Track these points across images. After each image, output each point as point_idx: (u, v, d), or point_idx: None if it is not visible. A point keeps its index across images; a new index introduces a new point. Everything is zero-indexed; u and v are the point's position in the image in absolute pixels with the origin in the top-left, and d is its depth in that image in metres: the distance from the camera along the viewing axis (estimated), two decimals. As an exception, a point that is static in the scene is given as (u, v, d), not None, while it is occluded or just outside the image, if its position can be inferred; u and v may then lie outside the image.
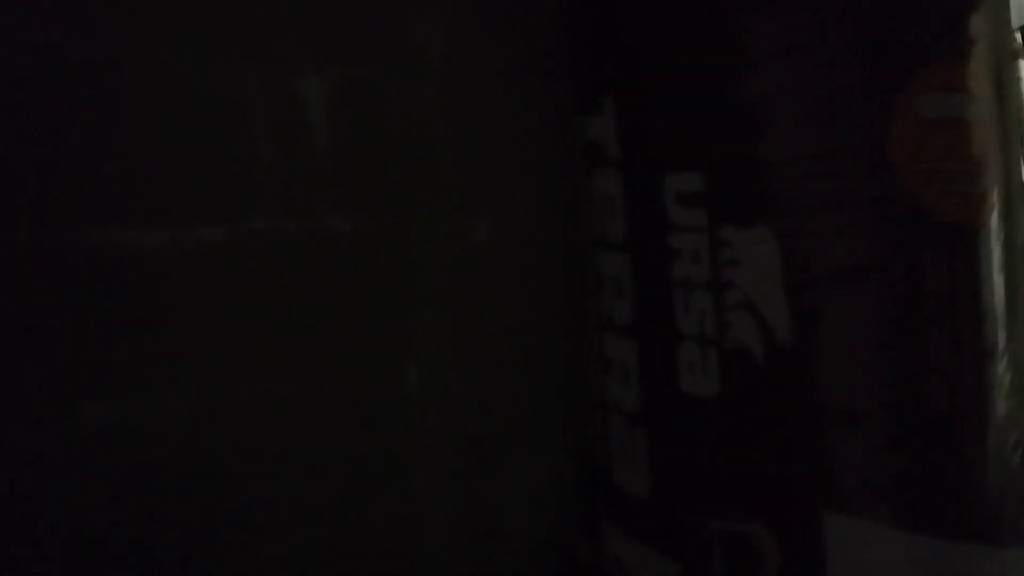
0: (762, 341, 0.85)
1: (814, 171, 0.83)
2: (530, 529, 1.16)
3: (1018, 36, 2.09)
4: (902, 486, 0.81)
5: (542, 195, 1.14)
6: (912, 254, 0.81)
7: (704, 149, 0.89)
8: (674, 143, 0.92)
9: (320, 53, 1.00)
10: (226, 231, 0.94)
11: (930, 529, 0.80)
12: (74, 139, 0.85)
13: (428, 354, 1.08)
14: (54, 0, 0.85)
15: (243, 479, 0.94)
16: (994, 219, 0.82)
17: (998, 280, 0.81)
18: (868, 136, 0.81)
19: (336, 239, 1.01)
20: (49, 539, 0.85)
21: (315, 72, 1.00)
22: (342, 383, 1.01)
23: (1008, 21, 0.90)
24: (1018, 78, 0.91)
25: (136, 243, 0.88)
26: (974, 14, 0.83)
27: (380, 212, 1.05)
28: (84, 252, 0.86)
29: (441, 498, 1.09)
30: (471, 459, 1.12)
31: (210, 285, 0.92)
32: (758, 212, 0.85)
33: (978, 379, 0.80)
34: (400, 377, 1.06)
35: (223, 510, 0.93)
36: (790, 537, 0.84)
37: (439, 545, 1.09)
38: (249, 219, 0.95)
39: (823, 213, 0.83)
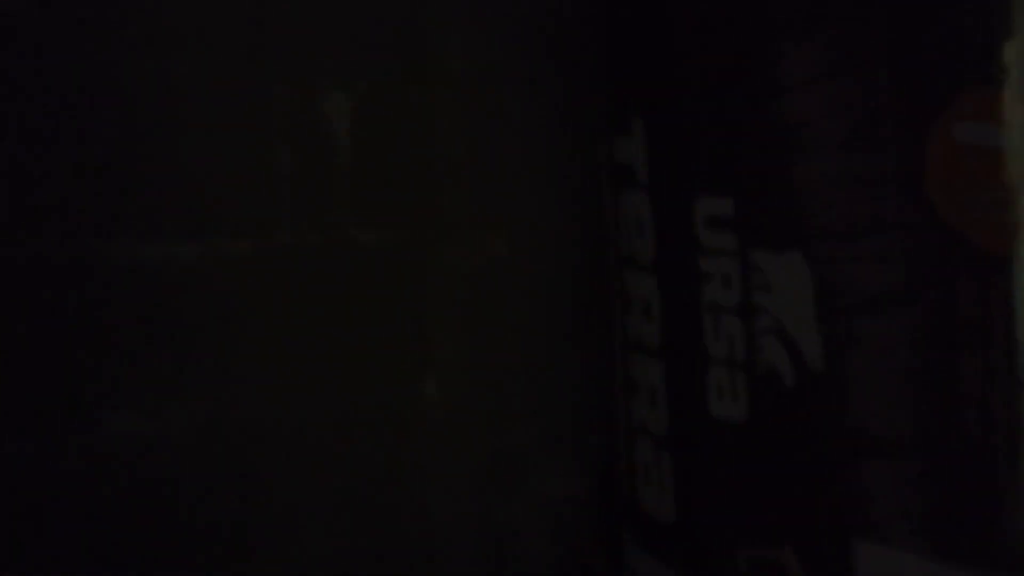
0: (793, 367, 0.84)
1: (848, 196, 0.83)
2: (546, 546, 1.16)
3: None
4: (935, 516, 0.80)
5: (564, 212, 1.14)
6: (946, 282, 0.80)
7: (736, 173, 0.89)
8: (705, 166, 0.91)
9: (345, 68, 1.01)
10: (251, 245, 0.94)
11: (963, 560, 0.79)
12: (100, 153, 0.86)
13: (446, 368, 1.08)
14: (77, 15, 0.86)
15: (262, 491, 0.94)
16: (1029, 247, 0.81)
17: (1032, 309, 0.81)
18: (903, 162, 0.81)
19: (358, 253, 1.01)
20: (68, 550, 0.85)
21: (340, 87, 1.00)
22: (361, 397, 1.01)
23: (1043, 47, 0.90)
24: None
25: (162, 256, 0.89)
26: (1010, 41, 0.83)
27: (402, 226, 1.05)
28: (110, 265, 0.86)
29: (457, 514, 1.09)
30: (488, 475, 1.12)
31: (234, 298, 0.93)
32: (790, 237, 0.85)
33: (1011, 409, 0.80)
34: (418, 391, 1.06)
35: (242, 523, 0.93)
36: (820, 565, 0.83)
37: (454, 561, 1.09)
38: (273, 233, 0.96)
39: (857, 239, 0.83)
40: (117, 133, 0.86)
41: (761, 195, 0.87)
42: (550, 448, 1.17)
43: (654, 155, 0.96)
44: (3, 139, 0.84)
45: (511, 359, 1.13)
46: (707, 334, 0.91)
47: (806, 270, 0.83)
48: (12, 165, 0.84)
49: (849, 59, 0.84)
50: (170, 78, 0.89)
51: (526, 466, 1.15)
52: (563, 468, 1.18)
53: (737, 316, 0.88)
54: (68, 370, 0.85)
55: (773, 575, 0.84)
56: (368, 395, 1.01)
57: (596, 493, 1.13)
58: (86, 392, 0.85)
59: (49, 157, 0.84)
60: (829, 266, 0.83)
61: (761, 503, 0.87)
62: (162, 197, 0.88)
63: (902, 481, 0.80)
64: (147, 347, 0.88)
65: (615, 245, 1.05)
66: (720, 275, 0.90)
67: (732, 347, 0.89)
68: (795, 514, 0.85)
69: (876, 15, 0.83)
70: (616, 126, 1.02)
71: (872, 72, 0.83)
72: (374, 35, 1.03)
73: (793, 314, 0.84)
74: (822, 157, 0.84)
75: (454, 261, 1.09)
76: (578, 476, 1.16)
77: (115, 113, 0.86)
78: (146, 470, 0.87)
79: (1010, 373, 0.80)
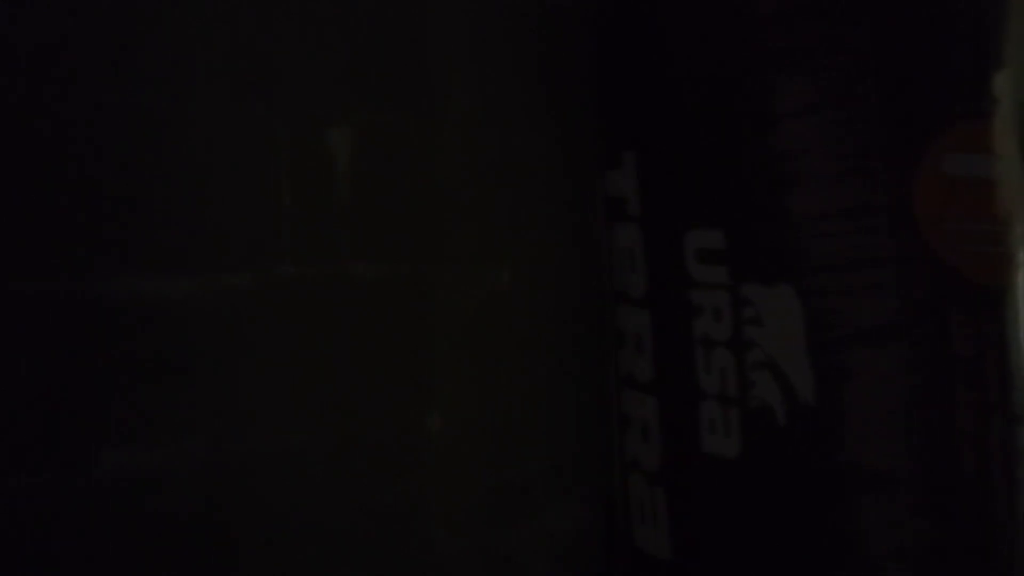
0: (784, 401, 0.83)
1: (839, 229, 0.83)
2: (548, 582, 1.14)
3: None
4: (931, 553, 0.79)
5: (567, 246, 1.14)
6: (938, 315, 0.79)
7: (726, 206, 0.89)
8: (695, 199, 0.91)
9: (346, 101, 1.01)
10: (251, 278, 0.94)
11: (959, 598, 0.78)
12: (99, 188, 0.86)
13: (450, 403, 1.07)
14: (77, 46, 0.86)
15: (262, 528, 0.93)
16: (1021, 279, 0.80)
17: (1026, 342, 0.80)
18: (893, 194, 0.81)
19: (359, 286, 1.01)
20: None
21: (341, 120, 1.00)
22: (363, 432, 1.00)
23: (1033, 79, 0.90)
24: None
25: (161, 291, 0.88)
26: (998, 73, 0.83)
27: (403, 260, 1.05)
28: (110, 300, 0.86)
29: (462, 547, 1.08)
30: (491, 510, 1.10)
31: (234, 332, 0.92)
32: (781, 270, 0.84)
33: (1006, 443, 0.79)
34: (422, 426, 1.05)
35: (241, 559, 0.92)
36: (814, 604, 0.82)
37: (457, 598, 1.07)
38: (274, 266, 0.95)
39: (847, 272, 0.82)
40: (117, 168, 0.86)
41: (752, 228, 0.87)
42: (554, 482, 1.16)
43: (645, 188, 0.96)
44: (1, 177, 0.84)
45: (514, 393, 1.12)
46: (699, 368, 0.90)
47: (797, 303, 0.83)
48: (10, 203, 0.84)
49: (839, 92, 0.83)
50: (172, 114, 0.89)
51: (530, 500, 1.14)
52: (567, 502, 1.16)
53: (729, 350, 0.87)
54: (68, 406, 0.84)
55: (767, 614, 0.83)
56: (370, 430, 1.00)
57: (600, 526, 1.12)
58: (86, 428, 0.84)
59: (49, 194, 0.84)
60: (820, 299, 0.82)
61: (754, 540, 0.86)
62: (162, 231, 0.88)
63: (896, 517, 0.79)
64: (146, 382, 0.87)
65: (608, 279, 1.04)
66: (711, 309, 0.89)
67: (724, 382, 0.88)
68: (789, 550, 0.83)
69: (865, 48, 0.83)
70: (608, 160, 1.02)
71: (861, 105, 0.83)
72: (376, 71, 1.03)
73: (784, 348, 0.83)
74: (812, 190, 0.84)
75: (456, 295, 1.09)
76: (582, 510, 1.15)
77: (114, 148, 0.86)
78: (146, 505, 0.86)
79: (1004, 407, 0.79)
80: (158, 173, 0.88)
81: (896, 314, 0.80)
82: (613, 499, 1.08)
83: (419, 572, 1.04)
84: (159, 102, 0.88)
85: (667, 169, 0.94)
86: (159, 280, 0.88)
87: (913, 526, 0.79)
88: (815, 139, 0.84)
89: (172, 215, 0.88)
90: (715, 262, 0.89)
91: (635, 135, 0.98)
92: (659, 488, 0.95)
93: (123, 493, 0.86)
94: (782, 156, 0.85)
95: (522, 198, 1.13)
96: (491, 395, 1.10)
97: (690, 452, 0.91)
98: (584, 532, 1.13)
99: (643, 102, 0.96)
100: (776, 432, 0.84)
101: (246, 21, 0.94)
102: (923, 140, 0.80)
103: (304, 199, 0.97)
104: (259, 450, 0.93)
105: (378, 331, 1.01)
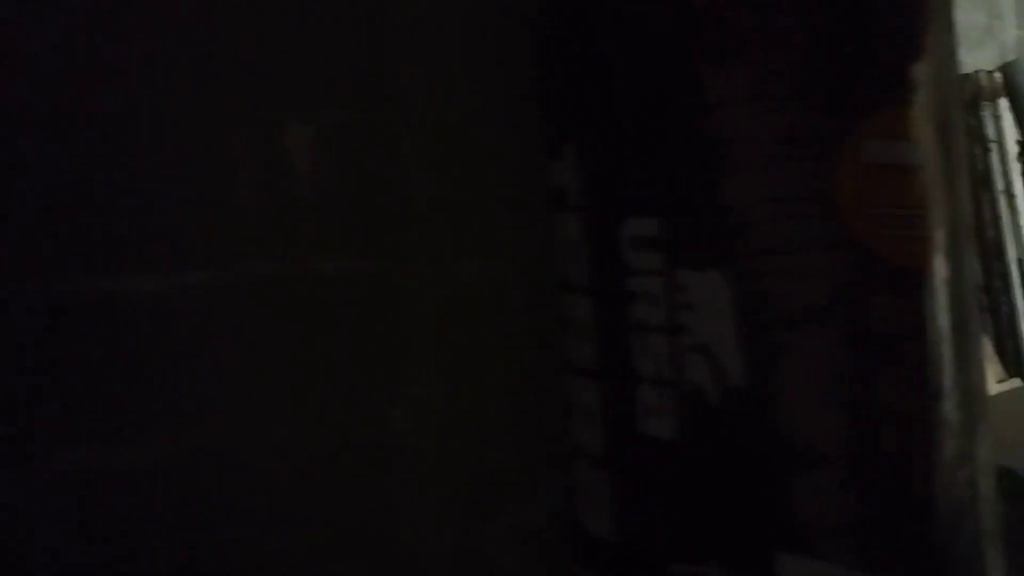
0: (716, 383, 0.86)
1: (767, 216, 0.85)
2: (524, 573, 1.16)
3: (997, 76, 2.12)
4: (855, 527, 0.82)
5: (530, 238, 1.15)
6: (860, 297, 0.82)
7: (661, 194, 0.91)
8: (631, 188, 0.93)
9: (306, 99, 1.02)
10: (212, 277, 0.95)
11: (883, 570, 0.81)
12: (57, 186, 0.87)
13: (417, 398, 1.09)
14: (33, 47, 0.87)
15: (228, 525, 0.94)
16: (939, 262, 0.83)
17: (944, 322, 0.83)
18: (817, 181, 0.83)
19: (323, 284, 1.02)
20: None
21: (300, 118, 1.02)
22: (329, 428, 1.02)
23: (954, 67, 0.93)
24: (963, 123, 0.93)
25: (121, 289, 0.89)
26: (918, 61, 0.85)
27: (367, 256, 1.06)
28: (68, 298, 0.87)
29: (431, 544, 1.09)
30: (462, 505, 1.12)
31: (196, 330, 0.93)
32: (712, 256, 0.87)
33: (925, 419, 0.82)
34: (388, 421, 1.06)
35: (207, 557, 0.93)
36: (745, 578, 0.85)
37: (429, 593, 1.09)
38: (235, 264, 0.97)
39: (775, 257, 0.85)
40: (74, 167, 0.87)
41: (685, 215, 0.89)
42: (524, 475, 1.17)
43: (585, 178, 0.98)
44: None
45: (482, 387, 1.14)
46: (635, 353, 0.92)
47: (725, 288, 0.85)
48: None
49: (766, 83, 0.86)
50: (130, 111, 0.90)
51: (500, 493, 1.16)
52: (538, 494, 1.18)
53: (663, 335, 0.90)
54: (25, 404, 0.85)
55: (703, 590, 0.85)
56: (336, 426, 1.02)
57: (572, 517, 1.13)
58: (43, 426, 0.85)
59: (5, 194, 0.85)
60: (748, 284, 0.85)
61: (689, 519, 0.89)
62: (121, 230, 0.89)
63: (824, 494, 0.82)
64: (106, 380, 0.88)
65: (556, 269, 1.07)
66: (647, 295, 0.91)
67: (659, 366, 0.90)
68: (721, 528, 0.86)
69: (791, 40, 0.86)
70: (551, 151, 1.04)
71: (789, 94, 0.85)
72: (337, 69, 1.04)
73: (715, 331, 0.86)
74: (742, 178, 0.86)
75: (422, 290, 1.10)
76: (553, 502, 1.17)
77: (71, 147, 0.87)
78: (104, 503, 0.87)
79: (922, 385, 0.82)
80: (116, 171, 0.89)
81: (820, 297, 0.82)
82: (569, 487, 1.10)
83: (388, 568, 1.05)
84: (118, 100, 0.90)
85: (605, 159, 0.96)
86: (118, 278, 0.89)
87: (840, 502, 0.82)
88: (745, 128, 0.86)
89: (132, 213, 0.89)
90: (650, 249, 0.91)
91: (575, 126, 1.00)
92: (602, 471, 0.98)
93: (81, 490, 0.87)
94: (713, 145, 0.87)
95: (486, 192, 1.15)
96: (459, 389, 1.12)
97: (630, 435, 0.93)
98: (555, 524, 1.15)
99: (581, 93, 0.99)
100: (709, 413, 0.87)
101: (205, 19, 0.95)
102: (844, 128, 0.83)
103: (265, 197, 0.98)
104: (221, 448, 0.94)
105: (343, 328, 1.03)
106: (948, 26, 0.91)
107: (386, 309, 1.07)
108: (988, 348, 1.97)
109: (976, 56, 2.38)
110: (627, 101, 0.94)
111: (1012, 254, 2.03)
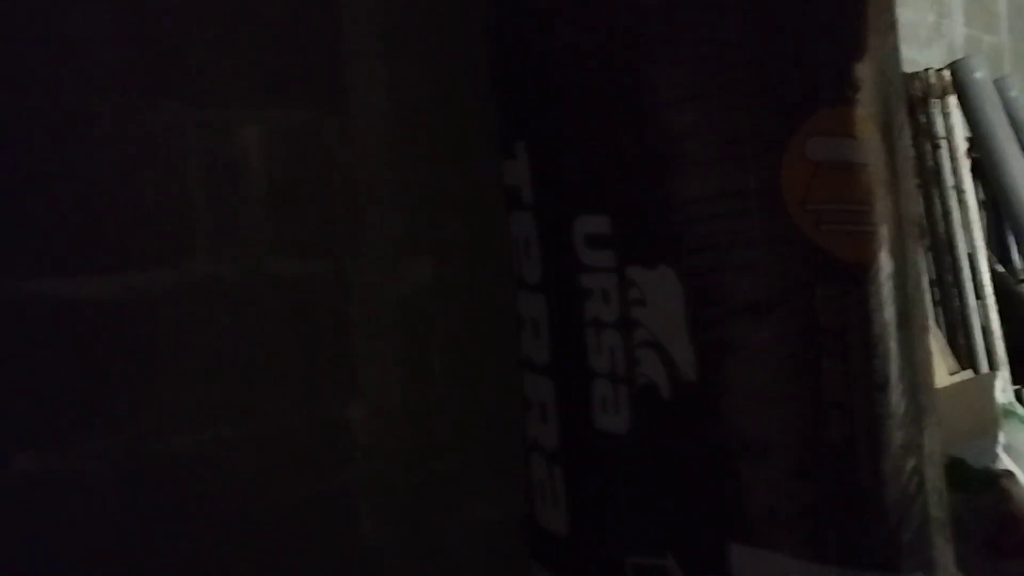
0: (668, 378, 0.87)
1: (713, 212, 0.86)
2: (481, 571, 1.16)
3: (946, 74, 2.16)
4: (804, 516, 0.83)
5: (484, 236, 1.16)
6: (806, 291, 0.84)
7: (611, 192, 0.92)
8: (582, 186, 0.94)
9: (258, 98, 1.02)
10: (163, 277, 0.94)
11: (831, 558, 0.83)
12: (4, 188, 0.86)
13: (373, 396, 1.09)
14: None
15: (184, 525, 0.94)
16: (884, 257, 0.85)
17: (889, 315, 0.85)
18: (762, 178, 0.85)
19: (278, 282, 1.02)
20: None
21: (253, 116, 1.01)
22: (286, 427, 1.02)
23: (897, 66, 0.95)
24: (907, 121, 0.95)
25: (68, 291, 0.88)
26: (860, 62, 0.87)
27: (322, 255, 1.06)
28: (14, 301, 0.86)
29: (389, 541, 1.09)
30: (419, 501, 1.12)
31: (150, 330, 0.93)
32: (661, 252, 0.88)
33: (871, 410, 0.83)
34: (344, 418, 1.07)
35: (163, 558, 0.92)
36: (698, 570, 0.86)
37: (387, 587, 1.09)
38: (186, 264, 0.96)
39: (723, 252, 0.86)
40: (18, 167, 0.86)
41: (634, 212, 0.90)
42: (481, 471, 1.18)
43: (536, 177, 0.99)
44: None
45: (439, 383, 1.15)
46: (590, 349, 0.93)
47: (677, 284, 0.86)
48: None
49: (711, 82, 0.87)
50: (78, 110, 0.89)
51: (458, 491, 1.16)
52: (496, 491, 1.19)
53: (617, 331, 0.91)
54: None
55: (657, 582, 0.86)
56: (292, 424, 1.02)
57: (521, 515, 1.14)
58: None
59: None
60: (698, 279, 0.86)
61: (644, 512, 0.90)
62: (72, 231, 0.88)
63: (773, 484, 0.84)
64: (58, 383, 0.87)
65: (509, 266, 1.07)
66: (600, 291, 0.92)
67: (613, 361, 0.91)
68: (674, 521, 0.87)
69: (734, 39, 0.87)
70: (503, 150, 1.05)
71: (732, 94, 0.87)
72: (289, 70, 1.04)
73: (666, 327, 0.87)
74: (689, 175, 0.88)
75: (377, 289, 1.10)
76: (510, 498, 1.18)
77: (15, 147, 0.86)
78: (62, 506, 0.86)
79: (867, 376, 0.83)
80: (63, 171, 0.88)
81: (767, 291, 0.84)
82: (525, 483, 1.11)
83: (347, 565, 1.06)
84: (65, 99, 0.89)
85: (556, 158, 0.97)
86: (67, 281, 0.88)
87: (787, 490, 0.83)
88: (690, 127, 0.88)
89: (79, 214, 0.88)
90: (602, 246, 0.92)
91: (526, 126, 1.01)
92: (557, 467, 0.99)
93: (38, 495, 0.86)
94: (661, 143, 0.89)
95: (440, 192, 1.15)
96: (415, 386, 1.12)
97: (584, 430, 0.94)
98: (512, 519, 1.15)
99: (532, 93, 1.00)
100: (661, 407, 0.88)
101: (158, 18, 0.94)
102: (788, 126, 0.84)
103: (217, 196, 0.98)
104: (178, 448, 0.94)
105: (297, 327, 1.03)
106: (891, 25, 0.93)
107: (340, 308, 1.07)
108: (941, 341, 2.00)
109: (925, 54, 2.42)
110: (576, 99, 0.95)
111: (962, 249, 2.07)
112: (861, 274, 0.84)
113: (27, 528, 0.85)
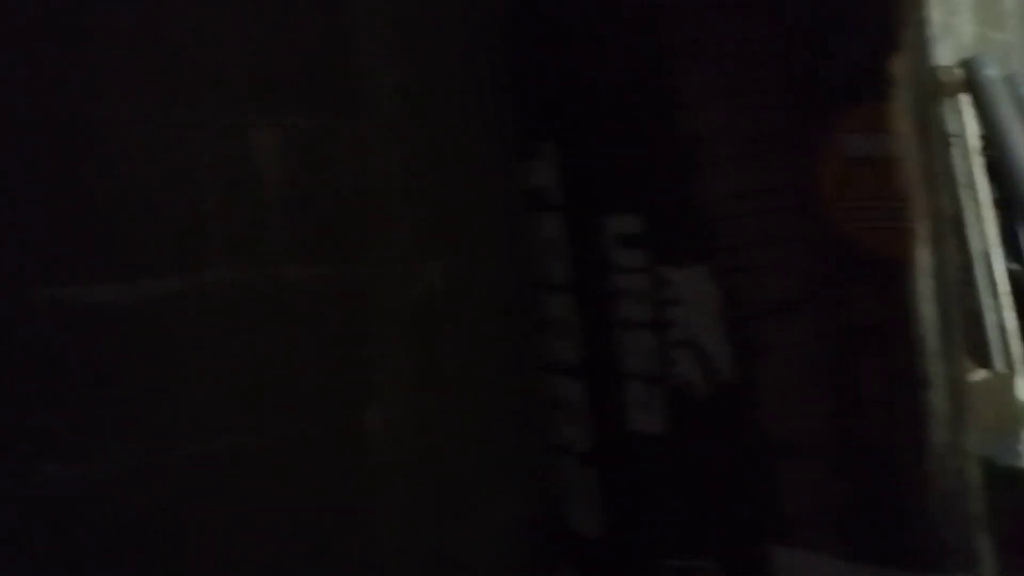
0: (705, 377, 0.86)
1: (746, 210, 0.86)
2: (497, 574, 1.16)
3: (957, 71, 2.15)
4: (845, 516, 0.82)
5: (497, 238, 1.16)
6: (842, 288, 0.83)
7: (642, 191, 0.91)
8: (613, 186, 0.94)
9: (271, 104, 1.01)
10: (179, 283, 0.94)
11: (873, 558, 0.82)
12: (15, 194, 0.85)
13: (388, 400, 1.08)
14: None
15: (204, 530, 0.93)
16: (922, 252, 0.84)
17: (929, 311, 0.84)
18: (796, 175, 0.84)
19: (293, 288, 1.01)
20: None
21: (266, 123, 1.01)
22: (302, 432, 1.01)
23: (929, 60, 0.94)
24: (941, 115, 0.94)
25: (87, 298, 0.88)
26: (895, 57, 0.87)
27: (336, 260, 1.06)
28: (36, 309, 0.85)
29: (405, 544, 1.09)
30: (435, 504, 1.12)
31: (163, 338, 0.92)
32: (695, 251, 0.87)
33: (914, 409, 0.83)
34: (361, 423, 1.06)
35: (184, 562, 0.92)
36: (740, 572, 0.85)
37: (403, 593, 1.08)
38: (202, 271, 0.95)
39: (757, 250, 0.85)
40: (34, 174, 0.86)
41: (666, 211, 0.90)
42: (497, 474, 1.17)
43: (566, 177, 0.98)
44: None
45: (454, 387, 1.14)
46: (623, 350, 0.92)
47: (711, 282, 0.86)
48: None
49: (741, 78, 0.87)
50: (95, 118, 0.89)
51: (473, 493, 1.15)
52: (511, 494, 1.18)
53: (650, 330, 0.90)
54: (2, 419, 0.84)
55: (696, 584, 0.85)
56: (310, 429, 1.01)
57: (546, 517, 1.13)
58: (22, 440, 0.84)
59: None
60: (733, 276, 0.85)
61: (682, 514, 0.89)
62: (87, 239, 0.88)
63: (812, 484, 0.83)
64: (77, 391, 0.86)
65: (534, 268, 1.07)
66: (632, 291, 0.92)
67: (647, 361, 0.91)
68: (714, 522, 0.87)
69: (765, 36, 0.86)
70: (529, 151, 1.04)
71: (763, 91, 0.86)
72: (302, 75, 1.04)
73: (702, 326, 0.86)
74: (720, 173, 0.87)
75: (391, 293, 1.10)
76: (527, 501, 1.17)
77: (31, 154, 0.86)
78: (86, 513, 0.86)
79: (910, 374, 0.82)
80: (78, 178, 0.88)
81: (803, 288, 0.83)
82: (550, 485, 1.10)
83: (363, 569, 1.05)
84: (80, 106, 0.88)
85: (585, 158, 0.96)
86: (85, 288, 0.88)
87: (827, 490, 0.82)
88: (720, 125, 0.87)
89: (94, 221, 0.88)
90: (634, 246, 0.91)
91: (553, 127, 1.00)
92: (590, 468, 0.98)
93: (62, 503, 0.85)
94: (690, 142, 0.88)
95: (453, 195, 1.15)
96: (430, 390, 1.11)
97: (618, 431, 0.93)
98: (526, 522, 1.15)
99: (559, 95, 0.99)
100: (697, 407, 0.87)
101: (171, 25, 0.94)
102: (823, 123, 0.83)
103: (232, 202, 0.97)
104: (197, 454, 0.93)
105: (314, 331, 1.02)
106: (922, 20, 0.92)
107: (355, 312, 1.07)
108: (956, 339, 2.00)
109: (935, 52, 2.41)
110: (605, 100, 0.95)
111: (976, 247, 2.06)
112: (900, 271, 0.83)
113: (51, 535, 0.85)
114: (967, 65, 2.17)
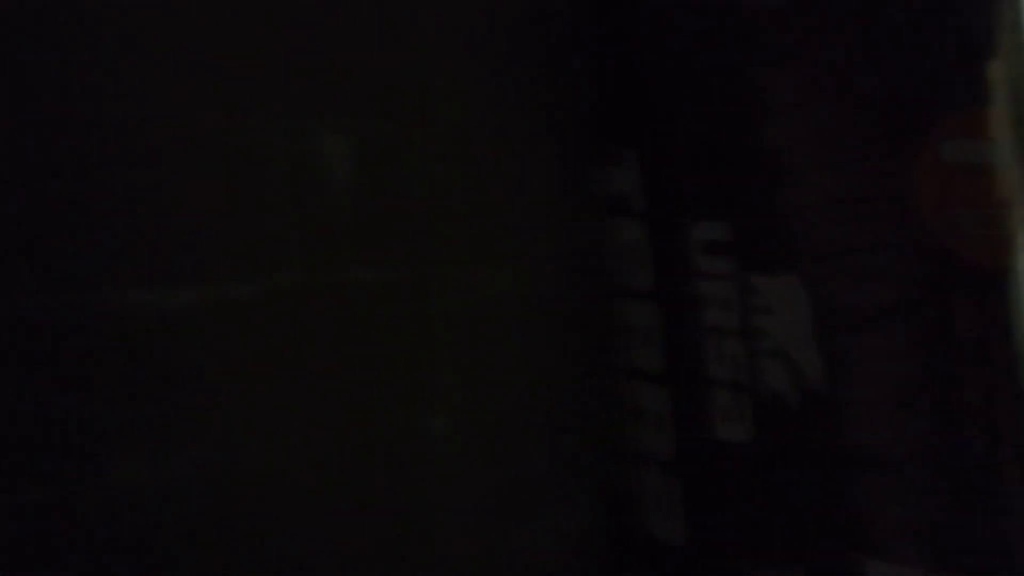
0: (795, 387, 0.85)
1: (839, 217, 0.85)
2: (558, 578, 1.15)
3: None
4: (941, 531, 0.81)
5: (562, 244, 1.15)
6: (941, 297, 0.82)
7: (729, 198, 0.91)
8: (699, 193, 0.93)
9: (342, 111, 1.02)
10: (252, 288, 0.95)
11: (969, 574, 0.80)
12: (97, 200, 0.86)
13: (453, 405, 1.08)
14: (82, 58, 0.87)
15: (271, 533, 0.94)
16: (1021, 260, 0.83)
17: (1029, 321, 0.82)
18: (892, 182, 0.83)
19: (360, 292, 1.02)
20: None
21: (337, 129, 1.02)
22: (367, 436, 1.01)
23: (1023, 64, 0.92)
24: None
25: (162, 303, 0.89)
26: (993, 61, 0.85)
27: (402, 264, 1.06)
28: (110, 313, 0.86)
29: (467, 550, 1.09)
30: (497, 510, 1.12)
31: (237, 342, 0.93)
32: (785, 259, 0.86)
33: (1014, 422, 0.81)
34: (426, 427, 1.06)
35: (251, 564, 0.93)
36: (831, 583, 0.84)
37: (467, 597, 1.08)
38: (274, 275, 0.96)
39: (850, 258, 0.84)
40: (113, 180, 0.87)
41: (755, 218, 0.89)
42: (560, 479, 1.17)
43: (648, 184, 0.98)
44: (2, 192, 0.84)
45: (518, 392, 1.14)
46: (709, 358, 0.92)
47: (802, 291, 0.85)
48: (8, 219, 0.84)
49: (833, 84, 0.85)
50: (171, 125, 0.90)
51: (535, 499, 1.15)
52: (573, 498, 1.18)
53: (738, 338, 0.89)
54: (76, 420, 0.85)
55: (785, 595, 0.85)
56: (376, 433, 1.02)
57: (608, 522, 1.13)
58: (94, 441, 0.85)
59: (46, 208, 0.85)
60: (825, 286, 0.84)
61: (770, 524, 0.88)
62: (162, 244, 0.89)
63: (908, 497, 0.81)
64: (151, 394, 0.88)
65: (613, 274, 1.06)
66: (719, 299, 0.91)
67: (735, 370, 0.90)
68: (804, 534, 0.86)
69: (858, 41, 0.85)
70: (609, 157, 1.04)
71: (857, 96, 0.85)
72: (371, 79, 1.04)
73: (793, 335, 0.85)
74: (812, 180, 0.86)
75: (456, 297, 1.10)
76: (589, 506, 1.17)
77: (111, 160, 0.87)
78: (155, 514, 0.87)
79: (1012, 386, 0.81)
80: (156, 184, 0.89)
81: (899, 298, 0.82)
82: (623, 492, 1.10)
83: (427, 572, 1.05)
84: (157, 113, 0.89)
85: (670, 165, 0.96)
86: (160, 292, 0.89)
87: (922, 503, 0.81)
88: (812, 131, 0.86)
89: (171, 226, 0.89)
90: (722, 253, 0.91)
91: (635, 134, 0.99)
92: (673, 477, 0.97)
93: (132, 503, 0.87)
94: (782, 147, 0.87)
95: (519, 200, 1.15)
96: (494, 395, 1.11)
97: (704, 440, 0.93)
98: (591, 528, 1.14)
99: (643, 102, 0.98)
100: (788, 416, 0.86)
101: (244, 34, 0.95)
102: (921, 128, 0.82)
103: (304, 208, 0.98)
104: (266, 456, 0.94)
105: (380, 336, 1.03)
106: (1019, 23, 0.90)
107: (421, 317, 1.07)
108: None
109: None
110: (691, 106, 0.94)
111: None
112: (998, 279, 0.82)
113: (124, 534, 0.86)
114: None
